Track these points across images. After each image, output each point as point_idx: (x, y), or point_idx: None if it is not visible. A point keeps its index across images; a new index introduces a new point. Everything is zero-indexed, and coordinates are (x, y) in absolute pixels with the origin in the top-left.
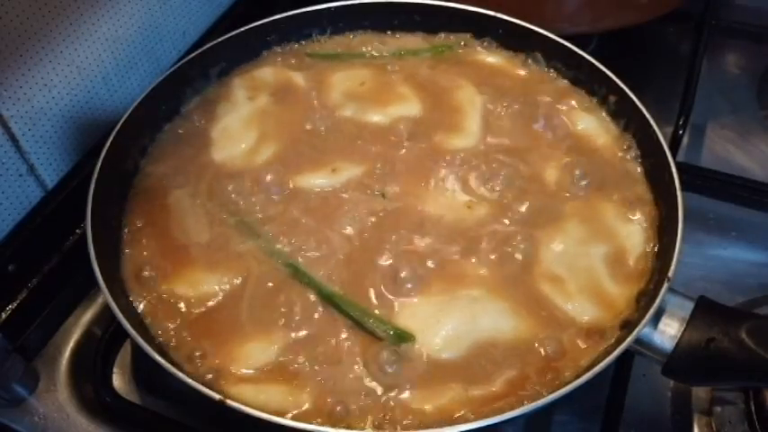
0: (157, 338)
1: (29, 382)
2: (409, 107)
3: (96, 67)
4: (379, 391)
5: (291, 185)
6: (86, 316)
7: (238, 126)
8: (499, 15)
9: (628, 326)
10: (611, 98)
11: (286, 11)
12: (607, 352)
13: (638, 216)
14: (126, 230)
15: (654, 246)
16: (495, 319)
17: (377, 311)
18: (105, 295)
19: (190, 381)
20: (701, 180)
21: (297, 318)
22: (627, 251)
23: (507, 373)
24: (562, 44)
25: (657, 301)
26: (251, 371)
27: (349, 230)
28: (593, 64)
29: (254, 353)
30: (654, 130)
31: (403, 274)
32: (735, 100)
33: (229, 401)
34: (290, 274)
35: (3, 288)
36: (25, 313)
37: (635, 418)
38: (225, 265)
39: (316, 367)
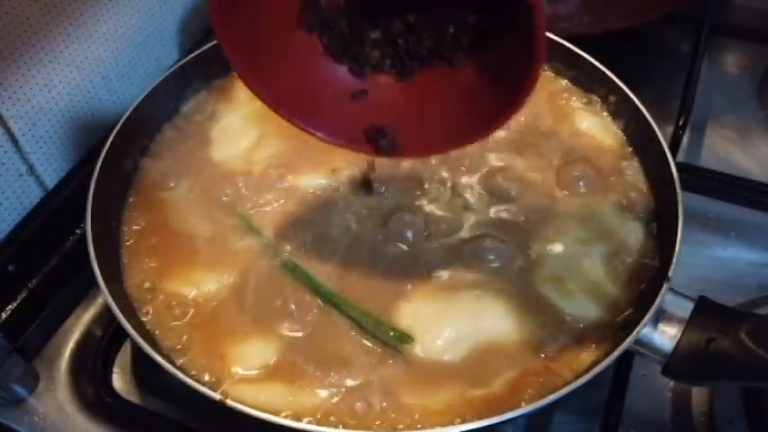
0: (157, 338)
1: (29, 382)
2: None
3: (96, 67)
4: (380, 391)
5: (291, 185)
6: (86, 316)
7: (238, 125)
8: None
9: (628, 326)
10: (611, 98)
11: None
12: (607, 352)
13: (637, 216)
14: (126, 230)
15: (654, 246)
16: (495, 320)
17: (377, 312)
18: (105, 295)
19: (190, 381)
20: (701, 180)
21: (296, 318)
22: (626, 251)
23: (508, 374)
24: (562, 44)
25: (657, 301)
26: (251, 371)
27: (348, 230)
28: (593, 64)
29: (254, 352)
30: (654, 130)
31: (403, 275)
32: (735, 100)
33: (229, 401)
34: (290, 273)
35: (3, 288)
36: (25, 313)
37: (635, 418)
38: (224, 264)
39: (315, 368)
